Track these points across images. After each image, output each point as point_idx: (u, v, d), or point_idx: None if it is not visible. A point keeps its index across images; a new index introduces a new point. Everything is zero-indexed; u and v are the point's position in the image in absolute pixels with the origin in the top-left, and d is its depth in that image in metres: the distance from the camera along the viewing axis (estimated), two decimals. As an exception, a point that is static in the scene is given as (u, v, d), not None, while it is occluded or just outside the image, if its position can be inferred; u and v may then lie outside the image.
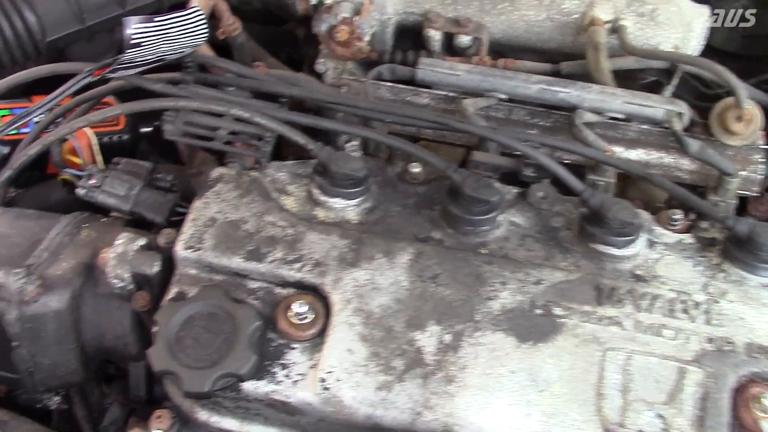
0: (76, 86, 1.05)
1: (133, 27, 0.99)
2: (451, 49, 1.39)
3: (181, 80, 1.11)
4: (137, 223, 1.14)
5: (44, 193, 1.29)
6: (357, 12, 1.37)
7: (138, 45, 1.01)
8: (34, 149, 1.11)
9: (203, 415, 0.97)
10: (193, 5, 1.19)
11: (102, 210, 1.15)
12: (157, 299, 1.02)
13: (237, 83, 1.13)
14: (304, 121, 1.08)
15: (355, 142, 1.14)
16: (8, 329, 1.01)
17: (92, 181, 1.12)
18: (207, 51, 1.16)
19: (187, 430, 0.99)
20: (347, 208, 1.05)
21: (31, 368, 1.04)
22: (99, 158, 1.20)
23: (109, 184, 1.12)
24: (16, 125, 1.10)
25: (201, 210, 1.03)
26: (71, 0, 1.35)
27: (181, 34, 1.06)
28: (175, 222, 1.13)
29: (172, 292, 0.99)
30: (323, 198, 1.05)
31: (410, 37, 1.45)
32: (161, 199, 1.13)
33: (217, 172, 1.07)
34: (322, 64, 1.41)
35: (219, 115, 1.09)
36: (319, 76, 1.37)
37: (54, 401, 1.13)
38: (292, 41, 1.62)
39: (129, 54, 1.01)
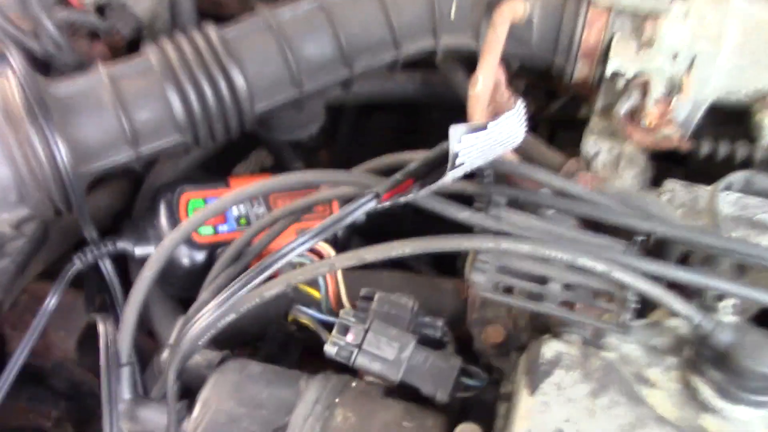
0: (358, 212, 0.71)
1: (462, 140, 0.65)
2: None
3: (488, 199, 0.75)
4: (400, 391, 0.81)
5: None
6: (671, 89, 1.01)
7: (462, 162, 0.67)
8: (274, 289, 0.77)
9: None
10: (482, 77, 0.86)
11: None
12: None
13: (564, 208, 0.77)
14: (683, 278, 0.72)
15: (730, 302, 0.78)
16: None
17: (349, 338, 0.79)
18: (510, 155, 0.82)
19: None
20: (753, 420, 0.69)
21: None
22: (344, 293, 0.86)
23: (373, 342, 0.78)
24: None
25: (538, 414, 0.68)
26: (289, 58, 1.03)
27: (501, 138, 0.72)
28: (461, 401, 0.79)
29: None
30: (718, 403, 0.69)
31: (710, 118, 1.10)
32: (442, 366, 0.79)
33: (553, 350, 0.72)
34: (592, 145, 1.07)
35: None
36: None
37: None
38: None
39: (445, 174, 0.67)
